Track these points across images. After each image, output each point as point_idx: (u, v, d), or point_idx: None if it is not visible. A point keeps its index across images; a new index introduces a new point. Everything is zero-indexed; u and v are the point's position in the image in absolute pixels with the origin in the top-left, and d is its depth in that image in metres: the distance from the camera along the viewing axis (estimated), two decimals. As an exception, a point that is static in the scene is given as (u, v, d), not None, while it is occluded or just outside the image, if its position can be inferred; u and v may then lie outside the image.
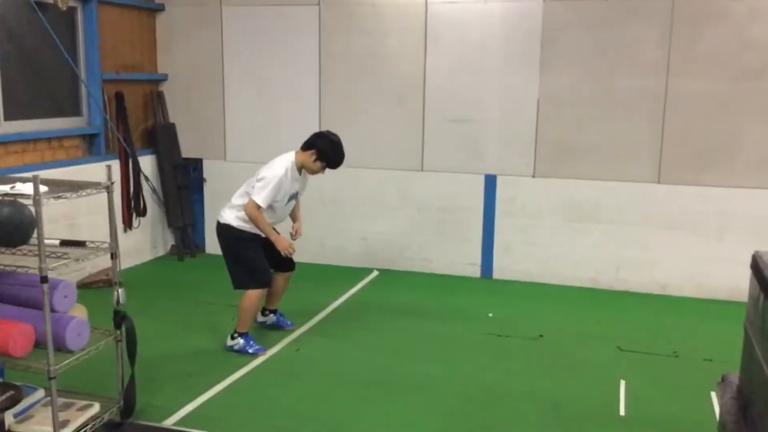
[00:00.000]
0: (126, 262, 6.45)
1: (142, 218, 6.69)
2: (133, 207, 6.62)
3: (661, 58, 5.78)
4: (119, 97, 6.49)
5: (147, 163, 6.83)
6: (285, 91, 6.73)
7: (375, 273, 6.55)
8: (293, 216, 4.90)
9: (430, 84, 6.34)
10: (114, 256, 3.51)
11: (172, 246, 7.15)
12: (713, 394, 3.93)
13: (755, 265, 2.55)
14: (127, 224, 6.59)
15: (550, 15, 5.97)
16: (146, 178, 6.75)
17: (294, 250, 4.61)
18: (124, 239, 6.45)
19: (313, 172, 4.65)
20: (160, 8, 6.94)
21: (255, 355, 4.57)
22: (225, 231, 4.63)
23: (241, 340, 4.63)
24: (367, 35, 6.44)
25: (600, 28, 5.89)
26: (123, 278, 3.69)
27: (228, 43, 6.82)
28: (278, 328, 5.03)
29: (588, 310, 5.72)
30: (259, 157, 6.87)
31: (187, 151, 7.12)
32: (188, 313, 5.43)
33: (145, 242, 6.86)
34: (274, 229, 4.58)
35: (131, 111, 6.64)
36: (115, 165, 6.39)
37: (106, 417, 3.52)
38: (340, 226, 6.76)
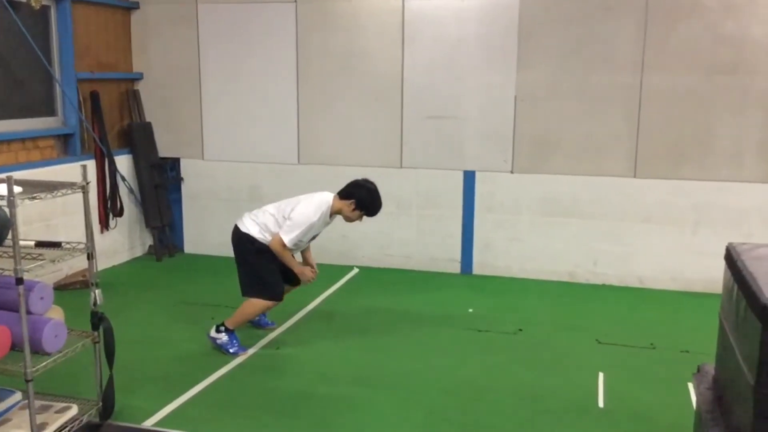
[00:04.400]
0: (103, 263, 6.40)
1: (119, 218, 6.63)
2: (109, 207, 6.56)
3: (636, 53, 5.84)
4: (94, 97, 6.42)
5: (123, 162, 6.77)
6: (262, 88, 6.71)
7: (355, 270, 6.55)
8: (305, 257, 4.93)
9: (408, 81, 6.35)
10: (90, 256, 3.48)
11: (150, 246, 7.10)
12: (690, 385, 3.98)
13: (729, 256, 2.58)
14: (104, 225, 6.53)
15: (527, 11, 6.00)
16: (123, 178, 6.69)
17: (315, 278, 4.78)
18: (101, 240, 6.39)
19: (351, 220, 4.71)
20: (135, 6, 6.88)
21: (235, 355, 4.55)
22: (245, 240, 4.58)
23: (225, 337, 4.59)
24: (345, 32, 6.43)
25: (576, 24, 5.94)
26: (100, 279, 3.66)
27: (204, 41, 6.78)
28: (259, 327, 5.02)
29: (566, 303, 5.76)
30: (237, 156, 6.91)
31: (164, 150, 7.07)
32: (166, 314, 5.40)
33: (122, 242, 6.80)
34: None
35: (107, 110, 6.58)
36: (91, 165, 6.32)
37: (85, 419, 3.49)
38: (320, 223, 6.74)
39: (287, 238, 4.46)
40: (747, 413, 2.10)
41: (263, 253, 4.55)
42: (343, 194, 4.64)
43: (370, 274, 6.49)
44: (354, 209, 4.61)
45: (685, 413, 3.63)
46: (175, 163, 7.11)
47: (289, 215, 4.51)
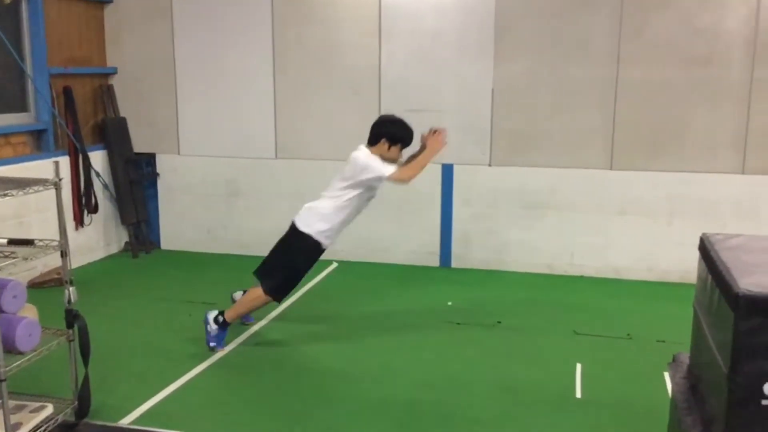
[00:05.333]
0: (78, 260, 6.32)
1: (93, 215, 6.55)
2: (84, 204, 6.48)
3: (611, 46, 5.87)
4: (67, 92, 6.33)
5: (98, 158, 6.68)
6: (239, 82, 6.66)
7: (334, 265, 6.53)
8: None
9: (386, 74, 6.34)
10: (64, 254, 3.43)
11: (126, 243, 7.02)
12: (666, 374, 4.02)
13: (703, 247, 2.61)
14: (79, 221, 6.45)
15: (504, 4, 6.01)
16: (97, 174, 6.61)
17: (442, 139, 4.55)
18: (76, 237, 6.32)
19: (395, 159, 4.55)
20: (108, 0, 6.78)
21: (212, 350, 4.52)
22: (296, 234, 4.54)
23: (217, 329, 4.52)
24: (321, 25, 6.40)
25: (552, 17, 5.96)
26: (75, 276, 3.61)
27: (179, 35, 6.71)
28: (240, 322, 4.98)
29: (544, 295, 5.80)
30: (213, 151, 6.85)
31: (140, 145, 6.99)
32: (143, 311, 5.35)
33: (97, 239, 6.73)
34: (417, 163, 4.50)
35: (80, 105, 6.49)
36: (65, 161, 6.24)
37: (61, 418, 3.46)
38: (298, 218, 6.71)
39: (386, 170, 4.36)
40: (721, 401, 2.12)
41: (304, 249, 4.52)
42: (372, 140, 4.55)
43: (349, 268, 6.48)
44: (389, 147, 4.50)
45: (661, 402, 3.67)
46: (150, 158, 7.04)
47: (362, 174, 4.41)
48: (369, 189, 4.56)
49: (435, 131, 4.59)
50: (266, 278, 4.59)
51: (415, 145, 4.67)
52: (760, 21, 5.60)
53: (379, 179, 4.44)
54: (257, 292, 4.57)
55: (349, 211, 4.56)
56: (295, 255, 4.58)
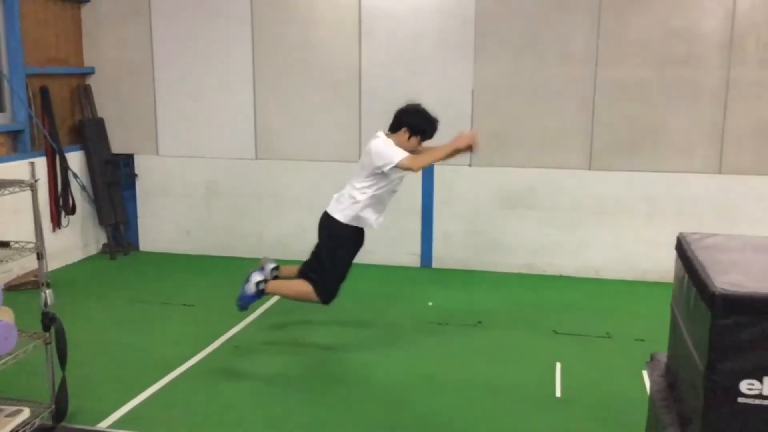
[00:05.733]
0: (56, 262, 6.26)
1: (71, 216, 6.48)
2: (61, 205, 6.41)
3: (590, 47, 5.91)
4: (44, 92, 6.26)
5: (75, 159, 6.61)
6: (218, 82, 6.62)
7: (314, 265, 6.51)
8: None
9: (366, 74, 6.33)
10: (40, 256, 3.39)
11: (104, 244, 6.95)
12: (644, 373, 4.05)
13: (680, 246, 2.63)
14: (56, 223, 6.37)
15: (483, 5, 6.03)
16: (75, 175, 6.54)
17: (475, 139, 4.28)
18: (53, 238, 6.24)
19: (413, 150, 4.35)
20: (85, -1, 6.74)
21: (241, 306, 4.48)
22: (326, 221, 4.46)
23: (254, 291, 4.46)
24: (301, 25, 6.38)
25: (531, 19, 5.99)
26: (53, 279, 3.57)
27: (157, 34, 6.66)
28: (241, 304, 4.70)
29: (524, 295, 5.82)
30: (192, 151, 6.80)
31: (118, 146, 6.92)
32: (121, 313, 5.30)
33: (75, 241, 6.66)
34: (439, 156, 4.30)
35: (57, 106, 6.42)
36: (42, 162, 6.17)
37: (38, 422, 3.41)
38: (279, 219, 6.70)
39: (399, 156, 4.16)
40: (698, 399, 2.14)
41: (342, 237, 4.41)
42: (393, 127, 4.39)
43: (329, 269, 6.46)
44: (409, 137, 4.33)
45: (639, 400, 3.69)
46: (128, 159, 6.97)
47: (375, 166, 4.24)
48: (387, 180, 4.34)
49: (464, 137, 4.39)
50: (310, 272, 4.49)
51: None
52: (736, 22, 5.67)
53: (391, 166, 4.21)
54: (307, 288, 4.45)
55: (372, 203, 4.38)
56: (333, 247, 4.45)
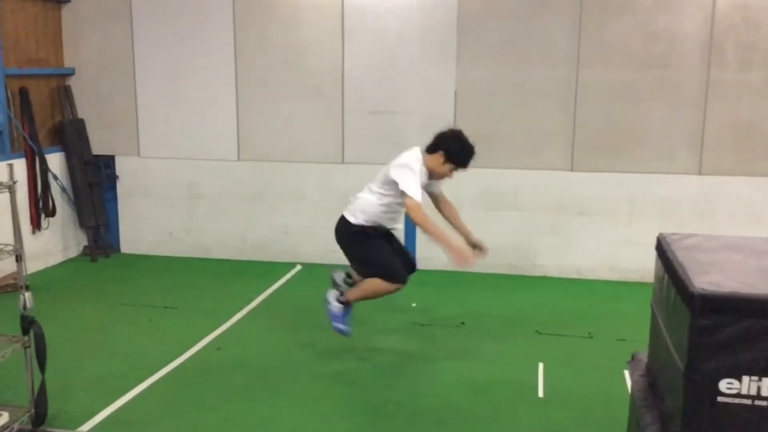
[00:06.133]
0: (36, 265, 6.19)
1: (51, 218, 6.42)
2: (41, 207, 6.34)
3: (571, 48, 5.95)
4: (24, 93, 6.20)
5: (55, 160, 6.55)
6: (200, 83, 6.58)
7: (298, 267, 6.50)
8: (460, 228, 4.55)
9: (349, 75, 6.32)
10: (19, 258, 3.35)
11: (85, 246, 6.89)
12: (626, 372, 4.07)
13: (660, 247, 2.65)
14: (36, 225, 6.31)
15: (466, 6, 6.04)
16: (55, 177, 6.48)
17: (473, 263, 4.25)
18: (34, 241, 6.18)
19: (443, 176, 4.34)
20: (66, 0, 6.65)
21: (338, 330, 4.36)
22: (341, 226, 4.38)
23: (339, 307, 4.37)
24: (283, 25, 6.36)
25: (513, 20, 6.01)
26: (33, 281, 3.55)
27: (138, 35, 6.61)
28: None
29: (507, 296, 5.84)
30: (174, 153, 6.76)
31: (98, 147, 6.87)
32: (102, 315, 5.25)
33: (55, 243, 6.59)
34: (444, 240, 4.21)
35: (37, 107, 6.36)
36: (21, 164, 6.11)
37: (17, 426, 3.38)
38: (261, 220, 6.67)
39: (412, 190, 4.05)
40: (678, 398, 2.16)
41: (359, 234, 4.32)
42: (431, 148, 4.29)
43: (313, 271, 6.43)
44: (444, 162, 4.26)
45: (620, 400, 3.71)
46: (109, 160, 6.92)
47: (390, 174, 4.16)
48: (395, 194, 4.23)
49: (477, 249, 4.46)
50: (366, 273, 4.39)
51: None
52: (715, 24, 5.72)
53: (400, 188, 4.12)
54: (378, 282, 4.29)
55: (385, 210, 4.30)
56: (359, 245, 4.37)
